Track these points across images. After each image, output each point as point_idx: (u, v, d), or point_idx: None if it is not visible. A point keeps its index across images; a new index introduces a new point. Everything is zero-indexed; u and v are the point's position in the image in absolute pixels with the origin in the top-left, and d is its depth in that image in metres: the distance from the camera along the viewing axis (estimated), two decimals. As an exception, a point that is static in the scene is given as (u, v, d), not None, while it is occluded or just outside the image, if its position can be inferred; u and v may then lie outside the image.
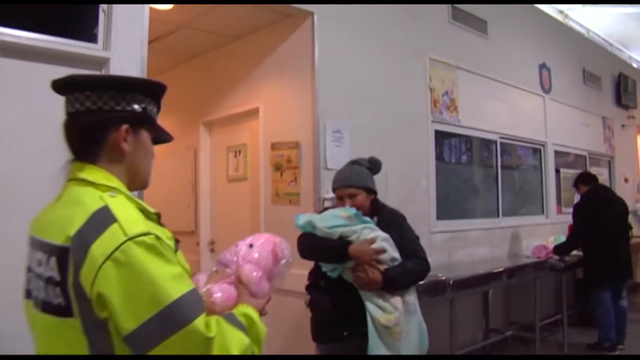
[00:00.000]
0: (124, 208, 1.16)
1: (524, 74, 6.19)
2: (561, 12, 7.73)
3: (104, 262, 1.06)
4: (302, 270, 3.60)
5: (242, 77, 4.45)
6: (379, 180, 2.97)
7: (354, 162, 2.89)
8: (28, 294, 1.24)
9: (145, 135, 1.34)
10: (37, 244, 1.21)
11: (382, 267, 2.56)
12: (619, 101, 8.45)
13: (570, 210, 5.80)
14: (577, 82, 7.37)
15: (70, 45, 2.60)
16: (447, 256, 4.85)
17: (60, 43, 2.56)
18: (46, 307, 1.15)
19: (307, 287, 2.85)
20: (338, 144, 3.85)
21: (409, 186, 4.51)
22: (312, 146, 3.76)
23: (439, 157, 5.01)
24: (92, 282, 1.06)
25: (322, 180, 3.69)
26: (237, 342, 1.18)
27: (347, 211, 2.66)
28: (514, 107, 5.95)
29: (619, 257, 5.21)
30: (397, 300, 2.58)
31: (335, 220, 2.60)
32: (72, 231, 1.10)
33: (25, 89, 2.49)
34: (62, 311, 1.12)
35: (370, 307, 2.54)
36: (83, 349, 1.10)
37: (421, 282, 2.99)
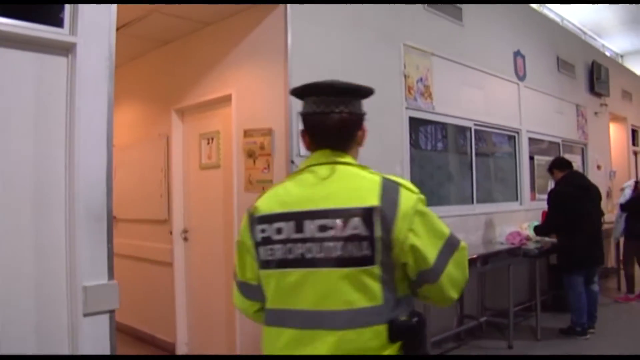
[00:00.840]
0: (393, 177, 1.52)
1: (498, 61, 6.20)
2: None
3: (414, 215, 1.42)
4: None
5: (215, 64, 4.38)
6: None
7: None
8: (287, 263, 1.46)
9: None
10: (316, 214, 1.44)
11: None
12: (592, 89, 8.54)
13: (544, 197, 5.85)
14: (552, 69, 7.41)
15: (35, 29, 2.50)
16: (421, 243, 4.84)
17: (24, 27, 2.46)
18: (342, 262, 1.40)
19: None
20: (311, 131, 3.81)
21: (383, 173, 4.48)
22: (285, 133, 3.72)
23: (414, 144, 5.00)
24: (408, 230, 1.41)
25: (295, 167, 3.66)
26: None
27: None
28: (488, 94, 5.96)
29: (593, 244, 5.28)
30: None
31: None
32: (376, 195, 1.42)
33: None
34: (365, 261, 1.39)
35: None
36: (375, 291, 1.40)
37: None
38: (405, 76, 4.71)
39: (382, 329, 1.40)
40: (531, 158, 6.89)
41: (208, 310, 4.59)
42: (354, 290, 1.40)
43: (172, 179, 4.89)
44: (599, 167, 8.62)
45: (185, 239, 4.83)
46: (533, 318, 5.45)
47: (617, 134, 10.09)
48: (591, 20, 9.73)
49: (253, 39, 4.04)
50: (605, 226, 6.31)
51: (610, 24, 10.02)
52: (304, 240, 1.44)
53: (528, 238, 5.79)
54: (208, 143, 4.55)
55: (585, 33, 9.96)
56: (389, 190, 1.44)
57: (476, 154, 5.81)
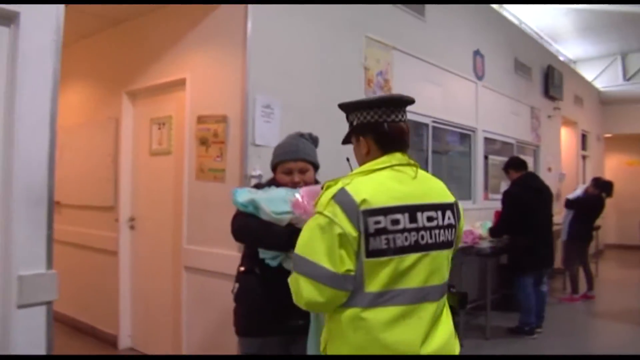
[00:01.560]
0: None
1: (458, 59, 6.19)
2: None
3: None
4: (230, 251, 3.47)
5: (170, 46, 4.19)
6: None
7: (301, 135, 2.66)
8: (405, 249, 1.72)
9: None
10: (424, 207, 1.77)
11: None
12: (546, 92, 8.67)
13: (497, 196, 5.88)
14: (509, 71, 7.47)
15: (-30, -6, 2.30)
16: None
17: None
18: (444, 245, 1.80)
19: (240, 274, 2.56)
20: (268, 120, 3.68)
21: (340, 168, 4.40)
22: (240, 121, 3.58)
23: (372, 138, 4.91)
24: (460, 221, 1.91)
25: (249, 157, 3.52)
26: None
27: (295, 195, 2.31)
28: (447, 92, 5.94)
29: (544, 246, 5.34)
30: None
31: (285, 206, 2.26)
32: (449, 193, 1.88)
33: None
34: (451, 244, 1.84)
35: None
36: (448, 267, 1.85)
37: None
38: (365, 68, 4.62)
39: (447, 295, 1.88)
40: (485, 157, 6.93)
41: (154, 302, 4.41)
42: (447, 267, 1.84)
43: (120, 164, 4.68)
44: (549, 169, 8.78)
45: (132, 227, 4.63)
46: (483, 317, 5.48)
47: (567, 137, 10.31)
48: (547, 25, 9.86)
49: (211, 22, 3.87)
50: (554, 227, 6.40)
51: (565, 30, 10.18)
52: (417, 230, 1.74)
53: (481, 237, 5.81)
54: (159, 128, 4.36)
55: (541, 37, 10.10)
56: (449, 190, 1.91)
57: (432, 152, 5.79)
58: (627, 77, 11.99)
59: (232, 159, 3.64)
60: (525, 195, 5.27)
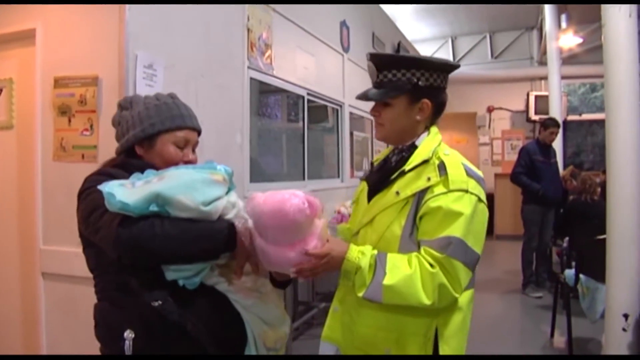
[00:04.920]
0: None
1: (327, 29, 5.82)
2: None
3: None
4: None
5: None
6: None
7: (174, 97, 1.88)
8: None
9: None
10: None
11: None
12: (397, 69, 8.69)
13: (361, 174, 5.64)
14: (368, 45, 7.29)
15: None
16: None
17: None
18: None
19: (125, 323, 1.58)
20: (150, 83, 2.97)
21: (224, 142, 3.81)
22: (117, 83, 2.82)
23: (253, 110, 4.36)
24: None
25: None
26: None
27: (219, 171, 1.65)
28: (319, 63, 5.54)
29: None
30: (281, 304, 1.82)
31: (213, 189, 1.58)
32: None
33: None
34: None
35: (252, 321, 1.69)
36: None
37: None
38: (248, 30, 4.04)
39: None
40: (351, 134, 6.69)
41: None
42: None
43: None
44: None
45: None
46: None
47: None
48: (389, 6, 9.97)
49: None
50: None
51: (404, 11, 10.38)
52: None
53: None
54: (-6, 96, 3.38)
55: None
56: None
57: (307, 127, 5.37)
58: (456, 59, 12.65)
59: (106, 133, 2.85)
60: None
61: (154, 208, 1.48)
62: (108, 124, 2.82)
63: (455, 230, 1.52)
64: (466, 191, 1.56)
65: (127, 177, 1.61)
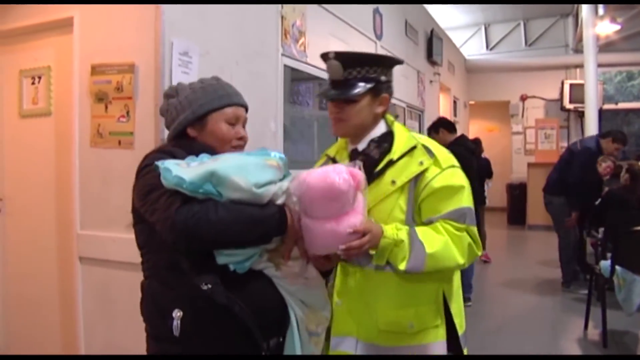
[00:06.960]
0: None
1: (361, 16, 5.76)
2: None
3: None
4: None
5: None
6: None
7: (217, 79, 1.90)
8: None
9: None
10: None
11: None
12: (429, 57, 8.59)
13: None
14: (401, 32, 7.22)
15: None
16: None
17: None
18: None
19: (177, 301, 1.58)
20: (186, 71, 2.98)
21: (258, 130, 3.80)
22: (154, 70, 2.83)
23: (287, 97, 4.35)
24: None
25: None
26: None
27: (273, 157, 1.68)
28: (352, 50, 5.49)
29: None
30: (325, 290, 1.81)
31: (266, 173, 1.59)
32: None
33: None
34: None
35: (295, 305, 1.69)
36: None
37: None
38: (282, 17, 4.03)
39: None
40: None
41: (33, 304, 3.50)
42: None
43: (-25, 130, 3.65)
44: (432, 135, 8.75)
45: (-2, 210, 3.66)
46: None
47: (443, 103, 10.43)
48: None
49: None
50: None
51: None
52: None
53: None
54: (33, 83, 3.41)
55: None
56: None
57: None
58: (489, 47, 12.45)
59: (143, 119, 2.88)
60: (468, 158, 4.90)
61: (208, 187, 1.48)
62: (144, 111, 2.88)
63: (464, 201, 1.73)
64: (454, 166, 1.78)
65: (185, 157, 1.62)
